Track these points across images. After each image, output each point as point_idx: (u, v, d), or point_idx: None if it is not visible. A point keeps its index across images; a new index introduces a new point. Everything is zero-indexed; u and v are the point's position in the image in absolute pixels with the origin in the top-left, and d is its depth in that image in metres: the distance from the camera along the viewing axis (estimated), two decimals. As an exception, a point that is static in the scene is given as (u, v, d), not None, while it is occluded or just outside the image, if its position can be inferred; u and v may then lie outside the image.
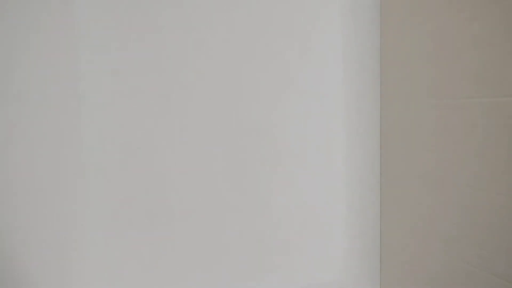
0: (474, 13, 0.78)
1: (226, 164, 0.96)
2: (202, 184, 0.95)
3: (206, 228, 0.96)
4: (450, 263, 0.86)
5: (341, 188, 1.05)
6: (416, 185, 0.95)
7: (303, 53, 0.99)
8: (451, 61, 0.84)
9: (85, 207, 0.87)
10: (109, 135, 0.87)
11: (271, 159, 0.99)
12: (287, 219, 1.02)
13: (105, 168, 0.88)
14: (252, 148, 0.97)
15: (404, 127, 0.98)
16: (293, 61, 0.98)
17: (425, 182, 0.92)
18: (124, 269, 0.91)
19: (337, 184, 1.05)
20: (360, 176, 1.06)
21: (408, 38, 0.95)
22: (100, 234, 0.89)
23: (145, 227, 0.92)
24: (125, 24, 0.87)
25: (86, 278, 0.89)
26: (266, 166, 0.99)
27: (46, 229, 0.85)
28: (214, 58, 0.93)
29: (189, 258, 0.95)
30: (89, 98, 0.86)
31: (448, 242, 0.87)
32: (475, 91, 0.79)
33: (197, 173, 0.94)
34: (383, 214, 1.07)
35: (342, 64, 1.02)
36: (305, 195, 1.02)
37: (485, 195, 0.78)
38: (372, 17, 1.03)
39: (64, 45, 0.83)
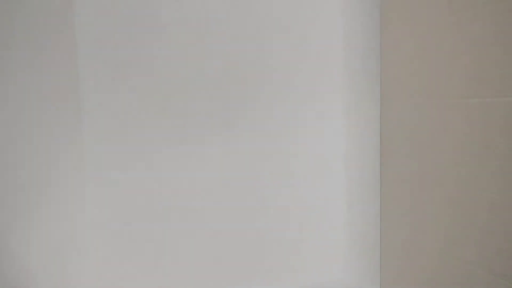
0: (474, 13, 0.78)
1: (226, 164, 0.96)
2: (202, 185, 0.95)
3: (207, 228, 0.96)
4: (450, 263, 0.86)
5: (341, 188, 1.05)
6: (416, 185, 0.95)
7: (303, 53, 0.99)
8: (451, 61, 0.84)
9: (85, 207, 0.87)
10: (109, 135, 0.87)
11: (271, 159, 0.99)
12: (288, 219, 1.02)
13: (105, 168, 0.88)
14: (252, 149, 0.97)
15: (404, 127, 0.98)
16: (293, 61, 0.98)
17: (425, 182, 0.92)
18: (124, 269, 0.91)
19: (337, 184, 1.05)
20: (360, 176, 1.06)
21: (408, 38, 0.95)
22: (100, 234, 0.89)
23: (145, 227, 0.92)
24: (125, 24, 0.87)
25: (86, 278, 0.89)
26: (266, 166, 0.99)
27: (46, 229, 0.85)
28: (214, 57, 0.93)
29: (189, 258, 0.95)
30: (89, 98, 0.86)
31: (448, 242, 0.87)
32: (475, 91, 0.79)
33: (197, 173, 0.94)
34: (383, 214, 1.07)
35: (342, 64, 1.02)
36: (305, 196, 1.02)
37: (485, 195, 0.78)
38: (372, 17, 1.03)
39: (64, 46, 0.83)
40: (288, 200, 1.01)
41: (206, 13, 0.92)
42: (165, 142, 0.91)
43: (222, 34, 0.93)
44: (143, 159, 0.90)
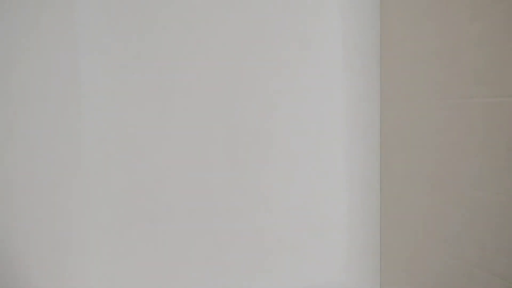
0: (474, 13, 0.78)
1: (226, 164, 0.96)
2: (202, 184, 0.95)
3: (206, 228, 0.96)
4: (450, 263, 0.86)
5: (341, 188, 1.05)
6: (416, 185, 0.95)
7: (303, 53, 0.99)
8: (452, 61, 0.84)
9: (85, 207, 0.87)
10: (109, 135, 0.87)
11: (271, 159, 0.99)
12: (288, 219, 1.02)
13: (105, 168, 0.88)
14: (252, 148, 0.97)
15: (404, 127, 0.98)
16: (293, 61, 0.98)
17: (425, 182, 0.92)
18: (124, 269, 0.91)
19: (337, 184, 1.05)
20: (360, 176, 1.06)
21: (408, 38, 0.95)
22: (100, 234, 0.89)
23: (145, 227, 0.92)
24: (125, 24, 0.87)
25: (86, 278, 0.89)
26: (266, 166, 0.99)
27: (46, 229, 0.85)
28: (214, 57, 0.93)
29: (189, 258, 0.95)
30: (89, 98, 0.86)
31: (448, 242, 0.87)
32: (475, 91, 0.79)
33: (197, 173, 0.94)
34: (383, 214, 1.07)
35: (342, 64, 1.02)
36: (305, 195, 1.02)
37: (485, 195, 0.78)
38: (372, 17, 1.03)
39: (64, 45, 0.83)
40: (288, 200, 1.01)
41: (206, 13, 0.92)
42: (165, 142, 0.91)
43: (221, 34, 0.93)
44: (143, 159, 0.90)
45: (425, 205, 0.93)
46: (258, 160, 0.98)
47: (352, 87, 1.03)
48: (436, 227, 0.90)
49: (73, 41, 0.84)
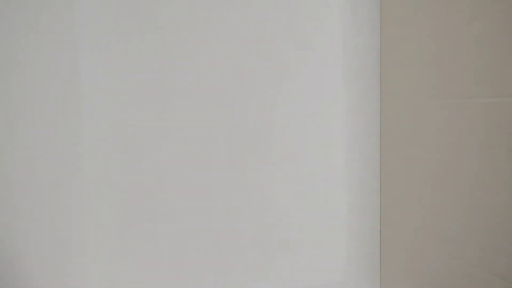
0: (474, 13, 0.78)
1: (226, 164, 0.96)
2: (202, 184, 0.94)
3: (207, 228, 0.96)
4: (450, 263, 0.86)
5: (341, 189, 1.05)
6: (416, 185, 0.95)
7: (303, 53, 0.99)
8: (452, 61, 0.84)
9: (85, 207, 0.87)
10: (109, 135, 0.87)
11: (271, 159, 0.99)
12: (288, 219, 1.02)
13: (105, 168, 0.88)
14: (252, 148, 0.97)
15: (404, 127, 0.98)
16: (293, 61, 0.98)
17: (425, 182, 0.92)
18: (124, 269, 0.91)
19: (337, 184, 1.05)
20: (360, 176, 1.06)
21: (408, 38, 0.95)
22: (100, 234, 0.89)
23: (145, 227, 0.92)
24: (125, 24, 0.87)
25: (86, 278, 0.89)
26: (266, 166, 0.99)
27: (46, 229, 0.85)
28: (214, 57, 0.93)
29: (189, 258, 0.95)
30: (89, 98, 0.86)
31: (448, 242, 0.87)
32: (475, 91, 0.79)
33: (197, 173, 0.94)
34: (383, 215, 1.07)
35: (342, 64, 1.02)
36: (305, 195, 1.02)
37: (485, 195, 0.78)
38: (372, 16, 1.03)
39: (64, 45, 0.83)
40: (288, 200, 1.01)
41: (206, 13, 0.92)
42: (165, 142, 0.91)
43: (221, 34, 0.93)
44: (143, 159, 0.90)
45: (425, 205, 0.93)
46: (258, 160, 0.98)
47: (352, 87, 1.03)
48: (436, 227, 0.90)
49: (73, 41, 0.84)
